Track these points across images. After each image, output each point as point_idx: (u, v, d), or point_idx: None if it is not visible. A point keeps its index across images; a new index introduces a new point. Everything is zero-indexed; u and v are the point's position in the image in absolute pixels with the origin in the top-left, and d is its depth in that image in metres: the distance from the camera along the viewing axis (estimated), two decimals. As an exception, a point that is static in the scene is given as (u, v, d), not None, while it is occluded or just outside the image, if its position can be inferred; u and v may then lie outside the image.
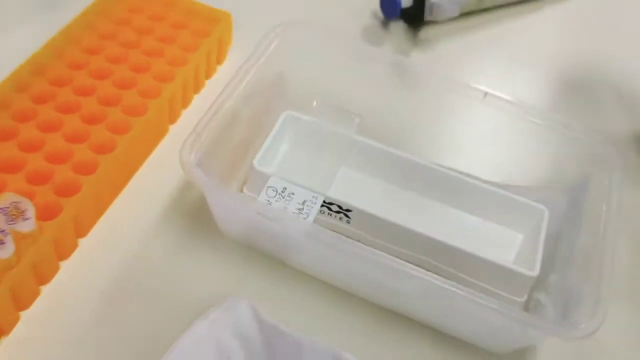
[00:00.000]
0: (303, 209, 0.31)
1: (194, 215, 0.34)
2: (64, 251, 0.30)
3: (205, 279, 0.31)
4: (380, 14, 0.48)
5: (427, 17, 0.46)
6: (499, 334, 0.30)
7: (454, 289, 0.27)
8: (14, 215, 0.26)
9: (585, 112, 0.43)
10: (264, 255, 0.32)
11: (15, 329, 0.28)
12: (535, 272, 0.32)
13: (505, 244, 0.35)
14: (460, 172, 0.36)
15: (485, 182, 0.36)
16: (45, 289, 0.30)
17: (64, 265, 0.30)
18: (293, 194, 0.32)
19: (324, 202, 0.32)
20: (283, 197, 0.31)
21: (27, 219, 0.26)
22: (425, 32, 0.47)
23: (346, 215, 0.33)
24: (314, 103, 0.37)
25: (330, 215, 0.33)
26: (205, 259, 0.32)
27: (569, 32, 0.50)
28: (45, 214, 0.28)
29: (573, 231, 0.33)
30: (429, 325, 0.31)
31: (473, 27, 0.49)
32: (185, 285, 0.31)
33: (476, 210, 0.36)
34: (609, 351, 0.32)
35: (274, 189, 0.32)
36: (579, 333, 0.27)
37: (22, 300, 0.28)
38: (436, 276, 0.28)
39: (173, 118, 0.38)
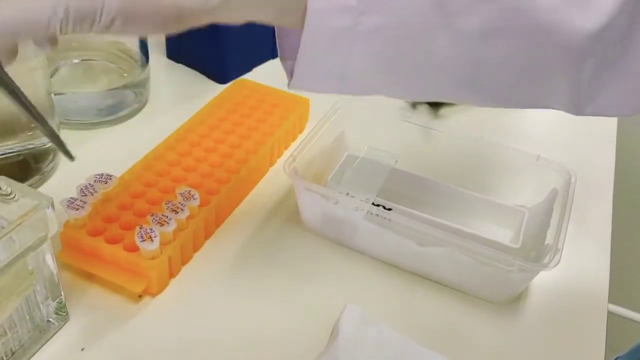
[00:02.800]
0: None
1: (287, 215, 0.51)
2: (208, 231, 0.48)
3: (292, 253, 0.48)
4: (409, 99, 0.66)
5: (442, 99, 0.64)
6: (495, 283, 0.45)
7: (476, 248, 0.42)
8: (187, 197, 0.45)
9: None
10: (331, 240, 0.49)
11: (163, 293, 0.44)
12: (518, 245, 0.47)
13: (500, 236, 0.50)
14: (465, 189, 0.53)
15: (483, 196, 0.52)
16: (194, 255, 0.47)
17: (207, 243, 0.48)
18: (353, 196, 0.49)
19: (372, 203, 0.49)
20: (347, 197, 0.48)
21: (195, 199, 0.44)
22: (443, 110, 0.65)
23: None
24: (366, 148, 0.55)
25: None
26: (292, 240, 0.49)
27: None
28: (202, 203, 0.46)
29: (545, 223, 0.49)
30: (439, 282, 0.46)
31: (475, 107, 0.67)
32: (281, 253, 0.48)
33: (479, 215, 0.52)
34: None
35: (341, 193, 0.49)
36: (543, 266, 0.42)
37: (178, 264, 0.45)
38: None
39: (272, 163, 0.56)
